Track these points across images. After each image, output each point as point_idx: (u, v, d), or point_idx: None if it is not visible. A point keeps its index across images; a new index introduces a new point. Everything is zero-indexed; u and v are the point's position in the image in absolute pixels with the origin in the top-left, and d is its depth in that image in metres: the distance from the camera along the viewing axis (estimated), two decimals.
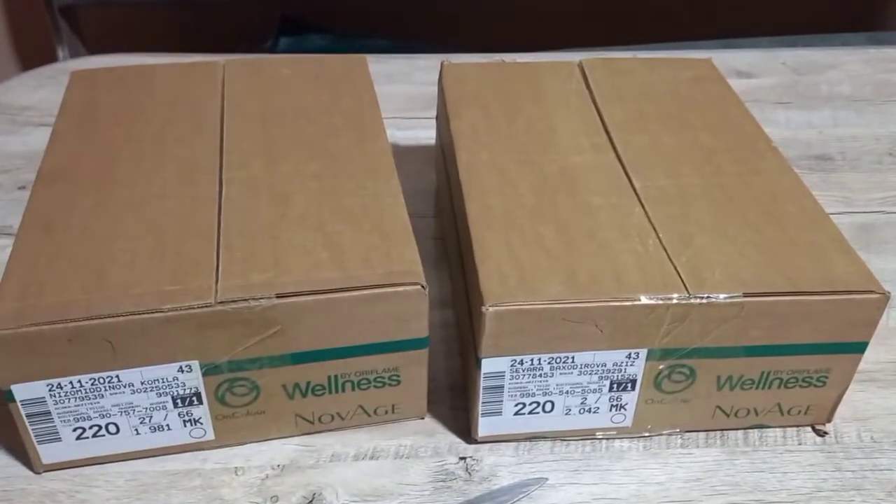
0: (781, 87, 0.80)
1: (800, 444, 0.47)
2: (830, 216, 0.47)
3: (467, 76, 0.58)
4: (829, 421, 0.48)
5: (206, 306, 0.40)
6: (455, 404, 0.49)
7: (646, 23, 1.27)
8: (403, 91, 0.79)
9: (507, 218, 0.46)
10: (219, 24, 1.27)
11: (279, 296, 0.40)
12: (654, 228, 0.45)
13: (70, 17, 1.11)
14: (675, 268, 0.43)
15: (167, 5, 1.16)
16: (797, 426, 0.48)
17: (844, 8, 1.34)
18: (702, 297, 0.41)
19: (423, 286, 0.41)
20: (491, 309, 0.41)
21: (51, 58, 1.10)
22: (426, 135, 0.70)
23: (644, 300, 0.41)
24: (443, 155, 0.58)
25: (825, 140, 0.73)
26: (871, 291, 0.42)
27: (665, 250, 0.44)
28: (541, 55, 0.87)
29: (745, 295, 0.41)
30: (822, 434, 0.47)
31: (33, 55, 1.23)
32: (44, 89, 0.79)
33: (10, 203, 0.64)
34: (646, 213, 0.46)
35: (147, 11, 1.27)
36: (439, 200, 0.62)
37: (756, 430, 0.47)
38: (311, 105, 0.54)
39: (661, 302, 0.41)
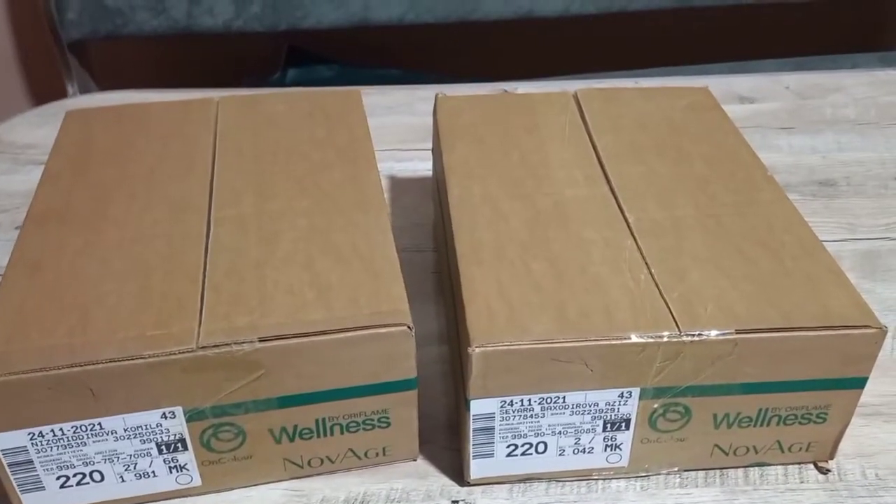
0: (784, 112, 0.79)
1: (802, 483, 0.46)
2: (834, 243, 0.46)
3: (462, 108, 0.58)
4: (831, 458, 0.46)
5: (188, 351, 0.39)
6: (450, 444, 0.48)
7: (654, 47, 1.26)
8: (404, 122, 0.78)
9: (498, 253, 0.45)
10: (228, 56, 1.27)
11: (262, 339, 0.40)
12: (647, 263, 0.45)
13: (80, 52, 1.12)
14: (667, 304, 0.42)
15: (176, 38, 1.17)
16: (799, 463, 0.46)
17: (854, 29, 1.33)
18: (693, 335, 0.40)
19: (409, 327, 0.41)
20: (477, 350, 0.40)
21: (62, 93, 1.11)
22: (425, 166, 0.70)
23: (634, 338, 0.40)
24: (437, 188, 0.57)
25: (829, 165, 0.72)
26: (868, 326, 0.41)
27: (657, 285, 0.43)
28: (546, 83, 0.87)
29: (738, 332, 0.40)
30: (824, 471, 0.46)
31: (45, 91, 1.24)
32: (47, 127, 0.79)
33: (7, 243, 0.63)
34: (638, 246, 0.46)
35: (156, 45, 1.28)
36: (436, 233, 0.62)
37: (756, 467, 0.46)
38: (304, 141, 0.54)
39: (651, 340, 0.40)
